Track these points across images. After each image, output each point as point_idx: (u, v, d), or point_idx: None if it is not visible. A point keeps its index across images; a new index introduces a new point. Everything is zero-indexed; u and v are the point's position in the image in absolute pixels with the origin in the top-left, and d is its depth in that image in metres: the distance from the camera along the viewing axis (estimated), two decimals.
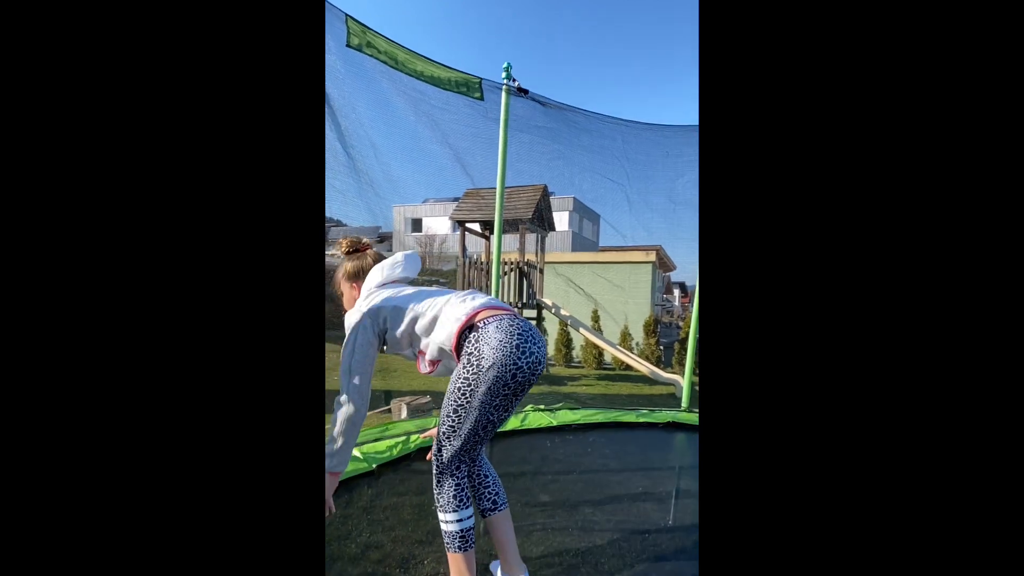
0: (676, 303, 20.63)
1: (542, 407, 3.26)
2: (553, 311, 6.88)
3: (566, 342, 8.16)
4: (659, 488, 2.11)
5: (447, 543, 1.29)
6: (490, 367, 1.17)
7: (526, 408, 3.20)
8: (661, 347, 8.01)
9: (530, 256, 7.33)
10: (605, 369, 7.83)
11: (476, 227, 7.37)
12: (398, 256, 1.50)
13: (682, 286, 22.59)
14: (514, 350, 1.17)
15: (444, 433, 1.29)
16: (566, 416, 3.08)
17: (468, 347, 1.22)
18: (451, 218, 7.56)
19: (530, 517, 1.79)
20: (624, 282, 8.71)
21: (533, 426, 2.93)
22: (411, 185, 2.69)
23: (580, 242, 16.54)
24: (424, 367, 1.35)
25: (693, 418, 3.18)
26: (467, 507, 1.30)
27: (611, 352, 6.65)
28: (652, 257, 9.03)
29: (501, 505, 1.36)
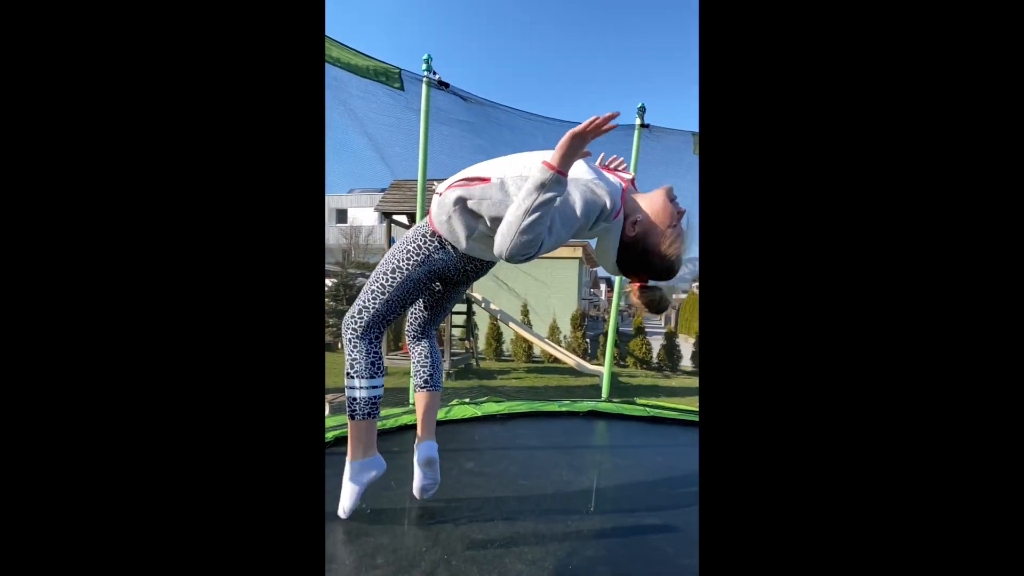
0: (603, 297, 21.32)
1: (467, 400, 3.26)
2: (483, 305, 6.89)
3: (496, 336, 8.19)
4: (581, 476, 2.17)
5: (353, 410, 1.33)
6: (423, 261, 1.31)
7: (451, 402, 3.19)
8: (587, 340, 8.25)
9: None
10: (534, 362, 7.94)
11: (403, 219, 7.22)
12: None
13: (608, 281, 23.38)
14: (445, 257, 1.32)
15: (369, 296, 1.33)
16: (490, 408, 3.10)
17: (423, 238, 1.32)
18: (376, 209, 7.37)
19: (456, 511, 1.78)
20: (551, 278, 8.88)
21: (457, 417, 2.94)
22: (333, 175, 2.58)
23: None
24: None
25: (611, 407, 3.30)
26: (380, 376, 1.34)
27: (539, 346, 6.75)
28: (579, 253, 9.27)
29: (435, 385, 1.52)
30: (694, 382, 6.65)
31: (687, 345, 8.17)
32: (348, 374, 1.35)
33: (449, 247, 1.33)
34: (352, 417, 1.35)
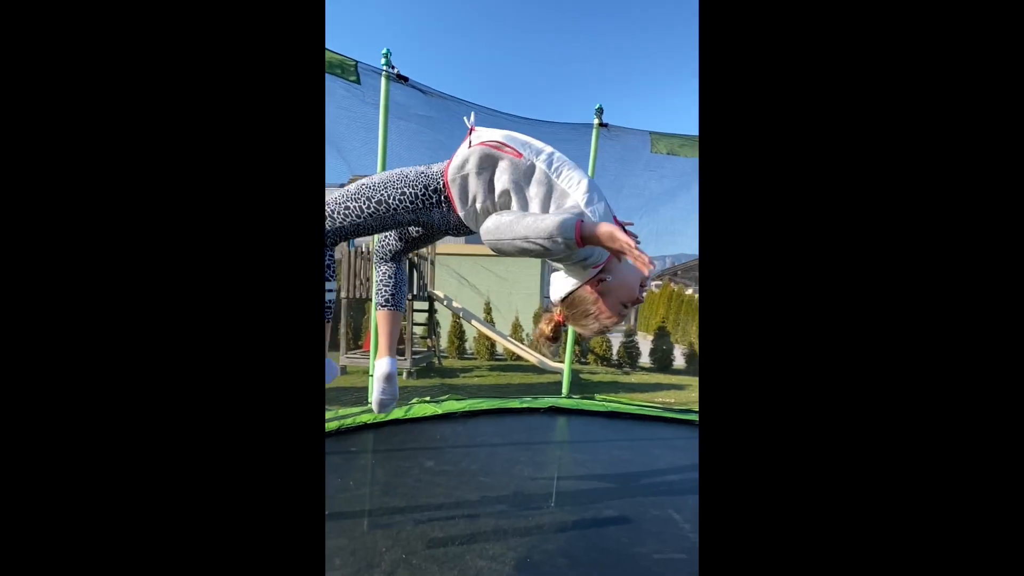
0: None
1: (428, 399, 3.24)
2: (445, 303, 6.85)
3: (459, 334, 8.16)
4: (541, 471, 2.19)
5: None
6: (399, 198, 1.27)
7: (412, 400, 3.16)
8: None
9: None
10: (497, 360, 7.95)
11: None
12: None
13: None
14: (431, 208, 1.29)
15: (340, 211, 1.29)
16: (452, 406, 3.09)
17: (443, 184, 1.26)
18: None
19: (416, 510, 1.77)
20: (513, 275, 8.91)
21: (418, 416, 2.91)
22: None
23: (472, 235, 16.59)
24: None
25: (571, 403, 3.34)
26: (332, 281, 1.38)
27: (502, 343, 6.77)
28: None
29: (397, 306, 1.60)
30: (652, 378, 6.82)
31: (645, 343, 8.36)
32: None
33: (445, 206, 1.28)
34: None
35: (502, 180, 1.21)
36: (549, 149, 1.24)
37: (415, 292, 6.49)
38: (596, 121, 3.09)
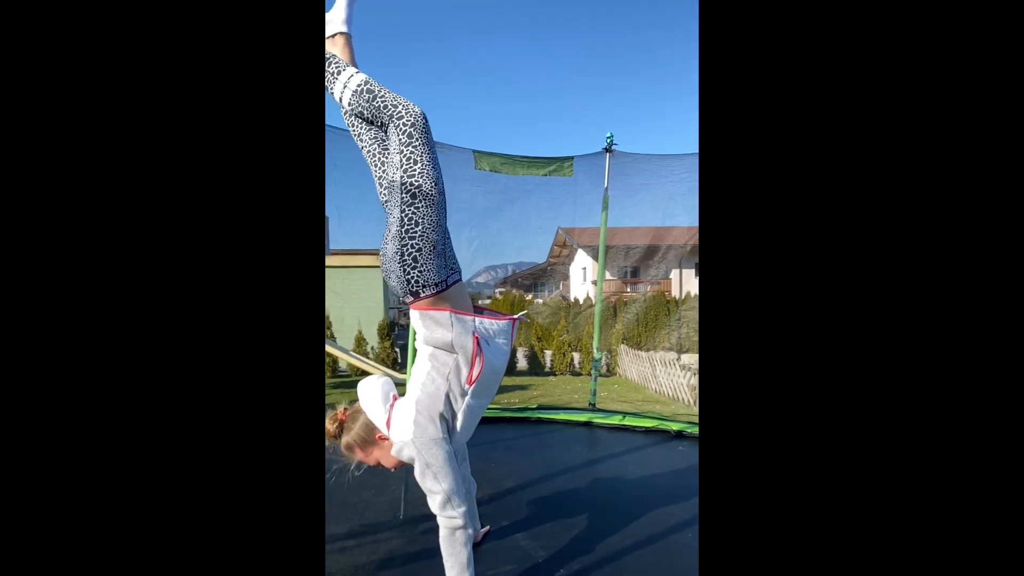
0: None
1: None
2: None
3: None
4: (389, 482, 2.19)
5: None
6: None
7: None
8: (397, 349, 8.20)
9: None
10: (339, 376, 7.61)
11: None
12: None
13: None
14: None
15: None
16: None
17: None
18: None
19: None
20: (348, 289, 8.61)
21: None
22: None
23: None
24: None
25: None
26: None
27: (344, 359, 6.50)
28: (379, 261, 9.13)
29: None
30: (521, 380, 7.12)
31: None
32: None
33: None
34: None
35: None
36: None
37: None
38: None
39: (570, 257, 13.45)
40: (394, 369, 6.92)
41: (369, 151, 1.41)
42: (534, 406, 3.75)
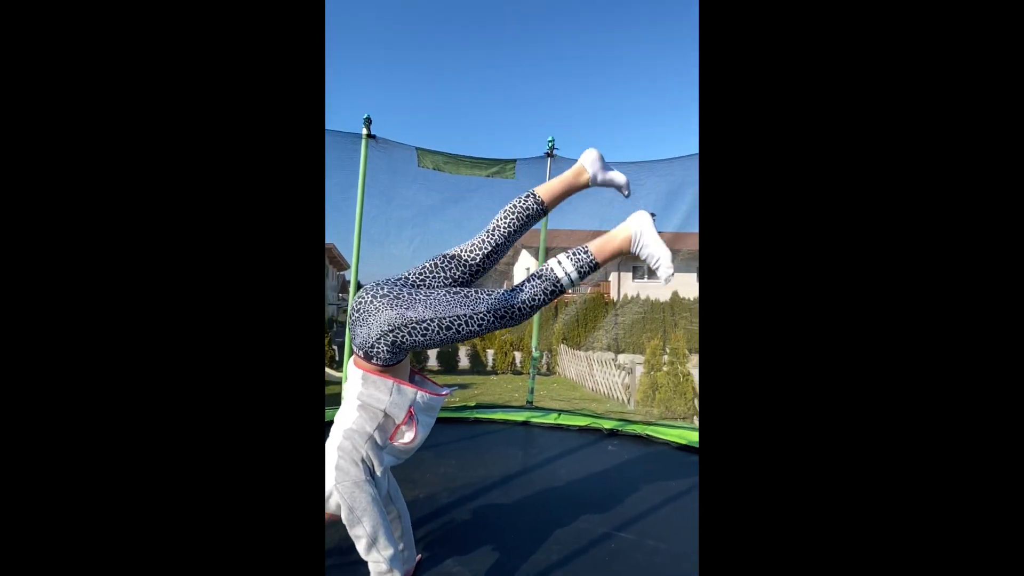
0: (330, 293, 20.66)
1: None
2: None
3: None
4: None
5: None
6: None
7: None
8: (335, 347, 7.97)
9: None
10: None
11: None
12: None
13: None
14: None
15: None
16: None
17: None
18: None
19: None
20: None
21: None
22: None
23: None
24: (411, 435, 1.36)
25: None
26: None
27: None
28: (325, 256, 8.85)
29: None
30: (439, 379, 7.07)
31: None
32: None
33: None
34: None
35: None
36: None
37: None
38: (364, 132, 3.12)
39: (514, 258, 13.58)
40: (331, 367, 6.73)
41: (479, 248, 1.40)
42: (473, 404, 3.76)
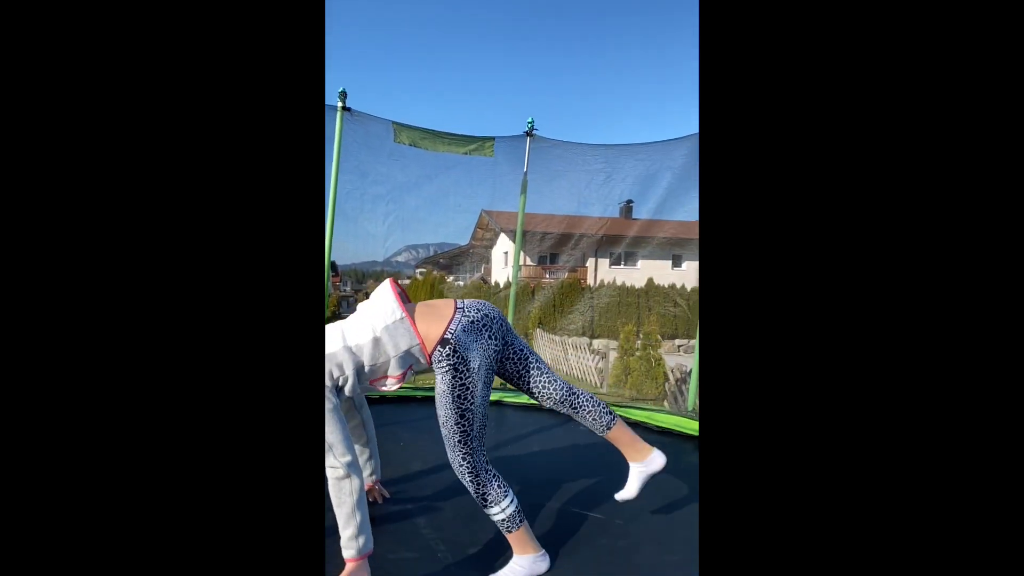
0: (327, 285, 20.39)
1: None
2: None
3: None
4: None
5: (508, 527, 1.39)
6: (479, 366, 1.35)
7: None
8: None
9: None
10: None
11: None
12: None
13: (333, 266, 22.47)
14: (488, 340, 1.38)
15: (460, 439, 1.38)
16: None
17: (448, 359, 1.32)
18: None
19: None
20: None
21: None
22: None
23: None
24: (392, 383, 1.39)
25: None
26: (508, 488, 1.43)
27: None
28: None
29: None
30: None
31: None
32: (486, 504, 1.40)
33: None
34: (510, 532, 1.41)
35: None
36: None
37: None
38: (340, 104, 3.04)
39: (492, 240, 13.50)
40: None
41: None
42: None
